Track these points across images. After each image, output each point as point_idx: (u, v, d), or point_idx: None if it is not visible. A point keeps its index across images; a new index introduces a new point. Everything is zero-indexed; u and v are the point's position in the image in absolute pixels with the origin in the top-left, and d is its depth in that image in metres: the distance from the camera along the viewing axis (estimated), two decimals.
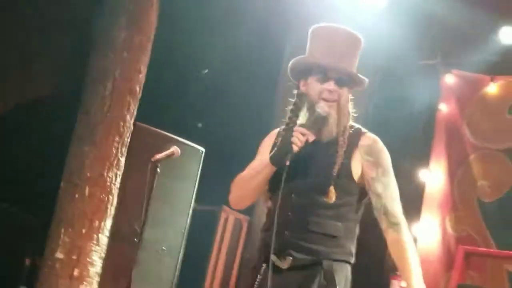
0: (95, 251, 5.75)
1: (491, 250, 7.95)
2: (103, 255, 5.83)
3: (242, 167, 7.48)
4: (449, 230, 8.25)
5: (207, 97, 7.58)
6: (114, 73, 5.79)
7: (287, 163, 3.16)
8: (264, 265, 3.29)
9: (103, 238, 5.84)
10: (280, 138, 3.35)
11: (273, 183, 3.31)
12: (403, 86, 7.69)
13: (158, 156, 5.29)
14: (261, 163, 3.34)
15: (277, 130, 3.50)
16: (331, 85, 3.31)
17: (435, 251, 8.07)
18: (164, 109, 6.90)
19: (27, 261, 5.98)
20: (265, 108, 7.67)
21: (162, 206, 6.19)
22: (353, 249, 3.35)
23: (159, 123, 6.29)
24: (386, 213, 3.30)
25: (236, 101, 7.62)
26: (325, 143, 3.29)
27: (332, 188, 3.23)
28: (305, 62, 3.40)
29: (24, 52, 6.07)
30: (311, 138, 3.21)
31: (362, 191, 3.36)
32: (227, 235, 7.34)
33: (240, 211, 7.50)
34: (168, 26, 6.23)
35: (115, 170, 5.84)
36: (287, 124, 3.37)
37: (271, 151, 3.33)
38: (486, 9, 7.79)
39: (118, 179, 5.89)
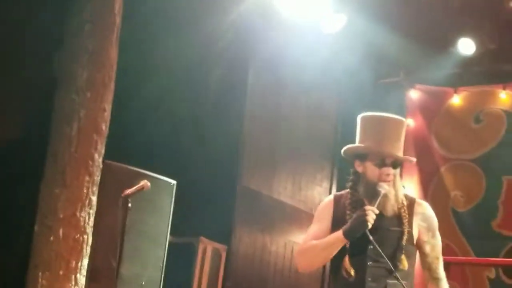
0: None
1: (470, 258, 8.04)
2: None
3: (215, 199, 7.55)
4: None
5: (175, 130, 7.63)
6: (79, 113, 5.83)
7: (371, 237, 3.71)
8: None
9: (81, 278, 5.84)
10: (348, 211, 3.88)
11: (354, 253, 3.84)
12: (367, 106, 7.79)
13: (129, 191, 5.34)
14: (334, 237, 3.81)
15: (331, 197, 4.10)
16: (389, 170, 3.87)
17: None
18: (133, 145, 6.95)
19: None
20: (232, 137, 7.76)
21: (138, 241, 6.21)
22: None
23: (129, 159, 6.34)
24: (430, 269, 3.94)
25: (204, 131, 7.69)
26: (390, 217, 3.86)
27: (403, 257, 3.81)
28: (363, 149, 3.93)
29: None
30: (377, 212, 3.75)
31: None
32: (207, 265, 7.35)
33: (217, 241, 7.55)
34: (129, 62, 6.31)
35: (87, 209, 5.87)
36: (351, 198, 3.93)
37: (334, 219, 3.92)
38: (443, 22, 7.96)
39: (92, 218, 5.91)
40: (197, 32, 7.38)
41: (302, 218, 8.71)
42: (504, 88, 8.40)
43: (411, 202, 3.97)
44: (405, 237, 3.84)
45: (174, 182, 6.60)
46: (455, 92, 8.57)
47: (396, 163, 3.92)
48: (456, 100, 8.59)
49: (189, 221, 7.21)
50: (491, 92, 8.50)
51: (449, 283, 4.10)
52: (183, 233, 7.10)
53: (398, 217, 3.88)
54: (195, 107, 7.66)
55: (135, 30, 6.54)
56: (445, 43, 8.22)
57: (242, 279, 7.90)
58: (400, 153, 3.93)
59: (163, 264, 6.47)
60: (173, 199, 6.58)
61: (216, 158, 7.70)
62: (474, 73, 8.43)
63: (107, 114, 5.97)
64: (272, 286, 8.29)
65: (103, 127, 5.96)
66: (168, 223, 6.54)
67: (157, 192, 6.34)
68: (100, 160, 5.99)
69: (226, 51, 7.69)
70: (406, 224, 3.86)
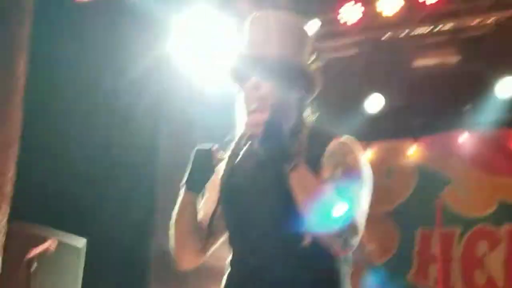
0: None
1: None
2: None
3: (127, 257, 7.30)
4: None
5: (84, 182, 7.45)
6: None
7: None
8: None
9: None
10: None
11: None
12: None
13: (32, 253, 5.18)
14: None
15: None
16: (251, 82, 2.59)
17: None
18: (41, 203, 6.81)
19: None
20: (146, 194, 7.65)
21: None
22: None
23: (38, 218, 6.20)
24: None
25: (119, 189, 7.55)
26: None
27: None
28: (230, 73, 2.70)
29: None
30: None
31: None
32: None
33: None
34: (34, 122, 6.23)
35: None
36: None
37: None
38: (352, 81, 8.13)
39: None
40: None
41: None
42: (414, 142, 8.61)
43: (324, 139, 2.63)
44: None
45: (84, 240, 6.45)
46: (367, 146, 8.73)
47: (266, 73, 2.56)
48: (369, 154, 8.75)
49: (101, 281, 7.06)
50: (401, 146, 8.69)
51: None
52: None
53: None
54: (110, 169, 7.52)
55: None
56: (356, 100, 8.38)
57: None
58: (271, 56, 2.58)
59: None
60: (83, 260, 6.45)
61: (132, 218, 7.57)
62: (384, 128, 8.59)
63: (11, 175, 5.87)
64: None
65: (8, 189, 5.86)
66: (79, 286, 6.42)
67: (66, 252, 6.21)
68: (5, 221, 5.87)
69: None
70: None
